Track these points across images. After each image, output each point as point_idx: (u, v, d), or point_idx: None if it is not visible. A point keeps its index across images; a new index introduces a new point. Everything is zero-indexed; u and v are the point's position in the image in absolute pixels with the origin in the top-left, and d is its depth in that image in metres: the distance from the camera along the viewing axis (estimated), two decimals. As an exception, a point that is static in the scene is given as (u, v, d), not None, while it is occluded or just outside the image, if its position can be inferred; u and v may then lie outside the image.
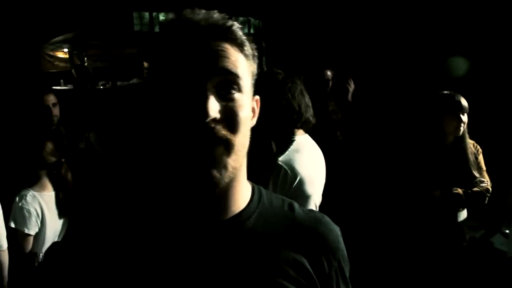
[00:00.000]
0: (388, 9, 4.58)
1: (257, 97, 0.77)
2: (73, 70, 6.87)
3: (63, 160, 2.47)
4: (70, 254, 0.71)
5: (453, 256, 2.51)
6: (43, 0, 5.69)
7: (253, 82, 0.73)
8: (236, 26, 0.69)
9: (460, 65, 3.88)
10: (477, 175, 2.43)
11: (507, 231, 3.11)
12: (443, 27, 4.14)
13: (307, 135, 1.99)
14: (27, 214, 2.24)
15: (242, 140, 0.67)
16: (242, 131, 0.67)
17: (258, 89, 0.76)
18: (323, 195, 1.99)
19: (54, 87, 6.19)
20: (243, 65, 0.69)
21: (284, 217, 0.76)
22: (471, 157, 2.45)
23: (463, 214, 2.51)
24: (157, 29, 7.11)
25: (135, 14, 7.04)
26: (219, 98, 0.65)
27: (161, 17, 7.23)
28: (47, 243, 2.35)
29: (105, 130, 3.12)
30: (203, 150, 0.63)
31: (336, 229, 0.79)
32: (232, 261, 0.68)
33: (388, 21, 4.57)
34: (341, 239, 0.78)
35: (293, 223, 0.75)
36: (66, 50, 7.35)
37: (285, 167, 1.78)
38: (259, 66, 0.78)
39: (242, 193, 0.73)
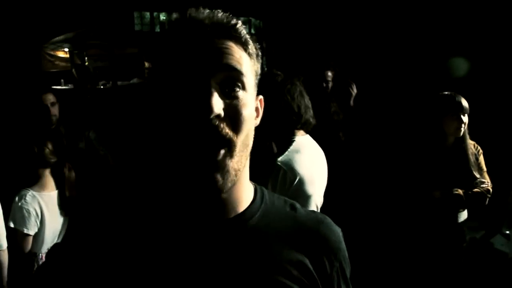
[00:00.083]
0: (388, 9, 4.58)
1: (261, 97, 0.77)
2: (73, 70, 6.87)
3: (64, 159, 2.47)
4: (73, 255, 0.71)
5: (453, 257, 2.51)
6: (44, 0, 5.69)
7: (256, 81, 0.73)
8: (240, 24, 0.69)
9: (460, 65, 3.87)
10: (477, 176, 2.43)
11: (508, 232, 3.11)
12: (443, 28, 4.14)
13: (307, 136, 1.99)
14: (26, 214, 2.24)
15: (245, 140, 0.67)
16: (245, 130, 0.66)
17: (257, 90, 0.76)
18: (325, 195, 1.99)
19: (54, 87, 6.18)
20: (246, 63, 0.69)
21: (286, 217, 0.76)
22: (472, 158, 2.45)
23: (464, 215, 2.51)
24: (158, 29, 7.12)
25: (136, 14, 7.04)
26: (223, 96, 0.65)
27: (162, 17, 7.23)
28: (47, 243, 2.35)
29: (107, 130, 3.12)
30: (206, 154, 0.62)
31: (338, 230, 0.79)
32: (235, 259, 0.68)
33: (389, 22, 4.56)
34: (342, 240, 0.78)
35: (295, 223, 0.75)
36: (66, 49, 7.33)
37: (284, 167, 1.78)
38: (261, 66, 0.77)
39: (245, 193, 0.74)
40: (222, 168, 0.63)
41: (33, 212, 2.26)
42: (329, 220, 0.79)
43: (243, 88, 0.67)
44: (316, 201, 1.92)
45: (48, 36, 6.62)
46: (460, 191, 2.38)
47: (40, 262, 2.33)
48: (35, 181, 2.36)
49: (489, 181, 2.45)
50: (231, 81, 0.66)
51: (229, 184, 0.65)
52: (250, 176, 0.77)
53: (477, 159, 2.49)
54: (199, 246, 0.68)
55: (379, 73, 4.50)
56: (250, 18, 6.54)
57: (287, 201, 0.80)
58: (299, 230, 0.74)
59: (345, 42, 4.84)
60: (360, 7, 4.81)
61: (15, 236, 2.24)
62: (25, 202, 2.25)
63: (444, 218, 2.45)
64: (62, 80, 6.92)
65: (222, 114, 0.63)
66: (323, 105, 2.97)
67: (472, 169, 2.43)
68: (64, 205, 2.44)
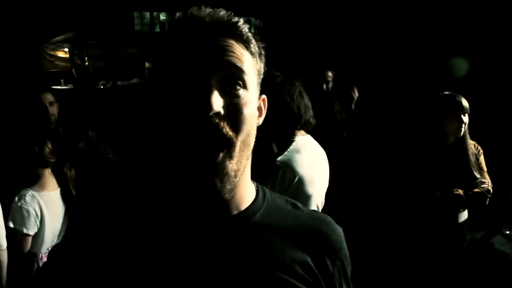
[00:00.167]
0: (389, 9, 4.58)
1: (264, 96, 0.77)
2: (73, 70, 6.87)
3: (64, 159, 2.47)
4: (74, 255, 0.70)
5: (453, 257, 2.51)
6: (44, 0, 5.69)
7: (259, 81, 0.73)
8: (242, 22, 0.69)
9: (461, 66, 3.87)
10: (478, 176, 2.43)
11: (508, 232, 3.10)
12: (443, 28, 4.13)
13: (308, 136, 1.99)
14: (26, 214, 2.24)
15: (246, 140, 0.66)
16: (245, 130, 0.66)
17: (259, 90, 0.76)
18: (328, 194, 1.99)
19: (54, 87, 6.19)
20: (248, 61, 0.68)
21: (288, 215, 0.76)
22: (472, 158, 2.44)
23: (464, 215, 2.51)
24: (157, 29, 7.12)
25: (135, 14, 7.04)
26: (224, 94, 0.64)
27: (162, 17, 7.24)
28: (46, 243, 2.34)
29: (107, 128, 3.11)
30: (205, 156, 0.62)
31: (339, 229, 0.79)
32: (238, 256, 0.68)
33: (389, 21, 4.56)
34: (343, 239, 0.79)
35: (297, 222, 0.75)
36: (66, 49, 7.34)
37: (283, 167, 1.79)
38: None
39: (247, 192, 0.74)
40: (221, 170, 0.63)
41: (32, 212, 2.25)
42: (330, 219, 0.80)
43: (244, 86, 0.67)
44: (317, 201, 1.92)
45: (48, 36, 6.63)
46: (461, 191, 2.38)
47: (40, 262, 2.33)
48: (34, 181, 2.35)
49: (489, 181, 2.45)
50: (231, 79, 0.65)
51: (229, 187, 0.64)
52: (251, 176, 0.76)
53: (477, 159, 2.48)
54: (202, 242, 0.68)
55: (380, 73, 4.49)
56: (250, 18, 6.54)
57: (288, 200, 0.80)
58: (301, 229, 0.74)
59: (345, 42, 4.84)
60: (360, 7, 4.81)
61: (14, 236, 2.23)
62: (25, 202, 2.25)
63: (445, 218, 2.44)
64: (62, 80, 6.92)
65: (222, 112, 0.63)
66: (325, 105, 2.98)
67: (473, 169, 2.43)
68: (63, 205, 2.44)
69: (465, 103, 2.39)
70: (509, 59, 3.77)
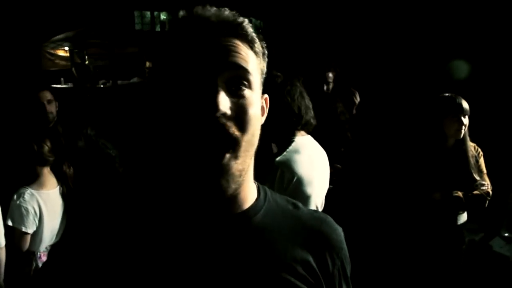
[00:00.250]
0: (389, 10, 4.58)
1: (266, 95, 0.77)
2: (73, 69, 6.87)
3: (63, 158, 2.46)
4: (76, 254, 0.70)
5: (452, 259, 2.51)
6: (44, -2, 5.69)
7: (262, 80, 0.73)
8: (247, 22, 0.69)
9: (461, 67, 3.87)
10: (477, 178, 2.43)
11: (507, 234, 3.10)
12: (444, 29, 4.13)
13: (308, 136, 1.99)
14: (25, 212, 2.23)
15: (251, 139, 0.67)
16: (251, 130, 0.66)
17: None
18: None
19: (54, 85, 6.18)
20: (253, 61, 0.68)
21: (289, 215, 0.77)
22: (472, 160, 2.44)
23: (463, 217, 2.51)
24: (158, 29, 7.12)
25: (136, 13, 7.04)
26: (229, 94, 0.64)
27: (162, 16, 7.23)
28: (45, 242, 2.34)
29: (107, 127, 3.11)
30: (211, 157, 0.62)
31: (339, 229, 0.80)
32: (240, 255, 0.68)
33: (389, 22, 4.56)
34: (343, 239, 0.79)
35: (298, 221, 0.76)
36: (67, 48, 7.33)
37: (281, 167, 1.79)
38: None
39: (250, 192, 0.74)
40: (226, 171, 0.63)
41: (31, 211, 2.25)
42: (330, 219, 0.80)
43: (250, 86, 0.67)
44: (316, 202, 1.91)
45: (48, 35, 6.62)
46: (460, 193, 2.38)
47: (39, 261, 2.32)
48: (33, 179, 2.35)
49: (489, 183, 2.44)
50: (237, 79, 0.65)
51: (233, 186, 0.65)
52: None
53: (477, 161, 2.48)
54: (204, 241, 0.68)
55: (380, 74, 4.49)
56: (250, 18, 6.54)
57: (289, 200, 0.81)
58: (302, 228, 0.75)
59: (346, 42, 4.84)
60: (361, 7, 4.81)
61: (13, 235, 2.23)
62: (24, 200, 2.25)
63: (444, 220, 2.44)
64: (62, 79, 6.92)
65: (229, 112, 0.63)
66: (329, 106, 2.99)
67: (472, 171, 2.43)
68: (62, 203, 2.43)
69: (465, 105, 2.39)
70: (509, 61, 3.77)
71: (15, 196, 2.25)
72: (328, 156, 2.02)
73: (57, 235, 2.40)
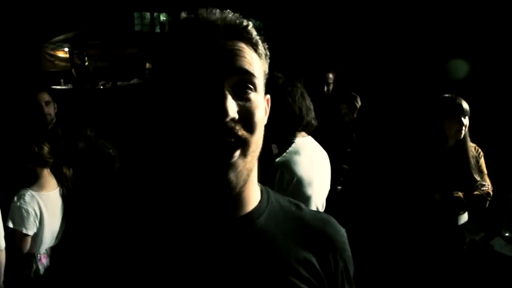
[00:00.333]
0: (389, 11, 4.58)
1: (268, 96, 0.78)
2: (73, 70, 6.86)
3: (63, 159, 2.46)
4: (77, 255, 0.70)
5: (453, 259, 2.50)
6: (44, 0, 5.69)
7: (265, 81, 0.74)
8: (251, 26, 0.70)
9: (461, 68, 3.87)
10: (478, 178, 2.43)
11: (507, 234, 3.10)
12: (444, 30, 4.13)
13: (309, 137, 1.99)
14: (25, 214, 2.23)
15: (258, 140, 0.68)
16: (258, 131, 0.67)
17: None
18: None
19: (54, 87, 6.18)
20: (257, 64, 0.69)
21: (292, 217, 0.77)
22: (472, 161, 2.44)
23: (464, 218, 2.51)
24: (158, 30, 7.11)
25: (136, 14, 7.03)
26: (236, 98, 0.65)
27: (162, 17, 7.23)
28: (45, 244, 2.33)
29: (106, 128, 3.11)
30: (221, 155, 0.63)
31: (342, 230, 0.80)
32: (243, 259, 0.68)
33: (389, 23, 4.56)
34: (347, 240, 0.79)
35: (301, 223, 0.76)
36: (66, 49, 7.32)
37: (280, 168, 1.80)
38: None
39: (253, 193, 0.74)
40: (236, 168, 0.64)
41: (32, 212, 2.25)
42: (334, 220, 0.80)
43: (255, 89, 0.68)
44: (317, 203, 1.91)
45: (48, 36, 6.61)
46: (460, 194, 2.38)
47: (39, 263, 2.32)
48: (33, 181, 2.34)
49: (489, 184, 2.44)
50: (243, 83, 0.66)
51: (242, 183, 0.65)
52: None
53: (477, 161, 2.48)
54: (207, 245, 0.68)
55: (380, 75, 4.49)
56: (250, 18, 6.54)
57: (291, 201, 0.81)
58: (305, 230, 0.75)
59: (345, 43, 4.84)
60: (361, 8, 4.81)
61: (14, 236, 2.23)
62: (24, 202, 2.24)
63: (444, 220, 2.44)
64: (61, 80, 6.91)
65: (237, 116, 0.64)
66: (333, 107, 3.00)
67: (473, 171, 2.43)
68: (62, 205, 2.43)
69: (465, 105, 2.40)
70: (509, 61, 3.77)
71: (15, 198, 2.25)
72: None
73: (56, 237, 2.40)
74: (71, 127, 3.15)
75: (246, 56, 0.67)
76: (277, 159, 1.83)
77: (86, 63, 7.00)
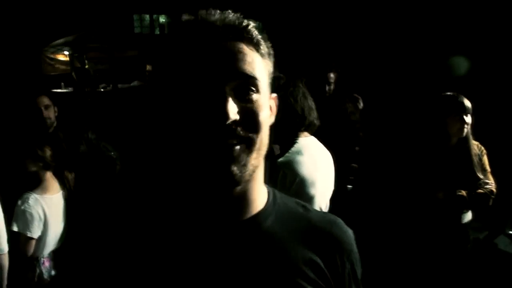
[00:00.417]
0: (390, 10, 4.57)
1: (275, 95, 0.77)
2: (73, 73, 6.86)
3: (65, 163, 2.46)
4: (83, 258, 0.70)
5: (457, 258, 2.50)
6: (44, 3, 5.70)
7: (270, 80, 0.73)
8: (252, 25, 0.69)
9: (462, 65, 3.87)
10: (481, 176, 2.42)
11: (511, 232, 3.09)
12: (445, 28, 4.13)
13: (312, 137, 1.99)
14: (29, 218, 2.22)
15: (263, 139, 0.67)
16: (262, 130, 0.67)
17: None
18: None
19: (54, 90, 6.18)
20: (259, 65, 0.68)
21: (299, 218, 0.76)
22: (475, 159, 2.43)
23: (468, 216, 2.50)
24: (157, 32, 7.13)
25: (135, 17, 7.05)
26: (238, 100, 0.64)
27: (161, 19, 7.25)
28: (48, 247, 2.33)
29: (107, 131, 3.11)
30: (223, 148, 0.63)
31: (350, 232, 0.79)
32: (250, 261, 0.68)
33: (390, 22, 4.56)
34: (354, 242, 0.78)
35: (308, 224, 0.75)
36: (66, 53, 7.33)
37: (283, 168, 1.80)
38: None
39: (260, 194, 0.73)
40: (238, 161, 0.64)
41: (36, 216, 2.24)
42: (341, 221, 0.79)
43: (257, 91, 0.67)
44: (320, 203, 1.91)
45: (48, 40, 6.63)
46: (464, 192, 2.37)
47: (42, 267, 2.32)
48: (37, 184, 2.34)
49: (493, 182, 2.44)
50: (245, 86, 0.65)
51: (246, 178, 0.65)
52: None
53: (480, 159, 2.47)
54: (214, 248, 0.67)
55: (381, 74, 4.49)
56: (250, 19, 6.54)
57: (298, 202, 0.80)
58: (311, 231, 0.74)
59: (346, 43, 4.84)
60: (361, 7, 4.81)
61: (18, 240, 2.22)
62: (28, 205, 2.24)
63: (448, 219, 2.43)
64: (62, 84, 6.92)
65: (238, 117, 0.63)
66: (338, 107, 3.00)
67: (476, 169, 2.42)
68: (65, 208, 2.43)
69: (467, 103, 2.39)
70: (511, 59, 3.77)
71: (19, 202, 2.24)
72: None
73: (59, 240, 2.39)
74: (72, 130, 3.15)
75: (247, 57, 0.66)
76: (280, 159, 1.83)
77: (86, 66, 7.00)
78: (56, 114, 3.13)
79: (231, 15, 0.68)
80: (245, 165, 0.64)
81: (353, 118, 3.07)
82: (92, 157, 2.74)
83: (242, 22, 0.68)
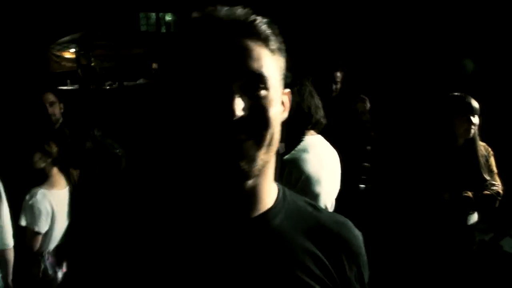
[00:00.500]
0: (397, 8, 4.56)
1: (288, 90, 0.76)
2: (79, 70, 6.89)
3: (71, 159, 2.48)
4: (89, 254, 0.70)
5: (462, 259, 2.48)
6: (50, 1, 5.72)
7: (282, 76, 0.72)
8: (260, 20, 0.67)
9: (470, 66, 3.85)
10: (488, 178, 2.40)
11: (518, 234, 3.08)
12: (453, 28, 4.11)
13: (318, 136, 1.99)
14: (37, 212, 2.24)
15: (273, 134, 0.67)
16: (273, 126, 0.66)
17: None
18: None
19: (60, 87, 6.21)
20: (268, 61, 0.67)
21: (308, 217, 0.75)
22: (482, 160, 2.42)
23: (474, 218, 2.48)
24: (163, 30, 7.14)
25: (141, 15, 7.07)
26: (246, 96, 0.64)
27: (168, 17, 7.26)
28: (54, 242, 2.35)
29: (113, 128, 3.12)
30: (231, 144, 0.63)
31: (359, 234, 0.78)
32: (258, 258, 0.67)
33: (398, 21, 4.54)
34: (362, 245, 0.78)
35: (317, 224, 0.75)
36: (73, 50, 7.36)
37: (289, 165, 1.80)
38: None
39: (269, 191, 0.73)
40: (247, 156, 0.63)
41: (44, 211, 2.26)
42: (350, 223, 0.79)
43: (266, 88, 0.66)
44: (325, 201, 1.91)
45: (54, 37, 6.66)
46: (470, 194, 2.35)
47: (47, 262, 2.33)
48: (44, 179, 2.36)
49: (499, 183, 2.42)
50: (253, 83, 0.65)
51: (255, 172, 0.64)
52: None
53: (487, 160, 2.46)
54: (223, 245, 0.67)
55: (388, 74, 4.47)
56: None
57: (307, 201, 0.80)
58: (321, 231, 0.74)
59: (353, 42, 4.82)
60: (368, 7, 4.79)
61: (25, 234, 2.24)
62: (36, 200, 2.26)
63: (454, 220, 2.42)
64: (68, 81, 6.95)
65: (246, 114, 0.63)
66: (349, 106, 3.00)
67: (482, 171, 2.41)
68: (72, 203, 2.45)
69: (474, 104, 2.38)
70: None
71: (27, 197, 2.26)
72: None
73: (63, 235, 2.41)
74: (78, 127, 3.17)
75: (255, 55, 0.64)
76: (285, 157, 1.83)
77: (93, 64, 7.03)
78: (62, 111, 3.15)
79: (239, 10, 0.66)
80: (254, 160, 0.64)
81: (364, 118, 3.07)
82: (97, 154, 2.76)
83: (249, 17, 0.66)
